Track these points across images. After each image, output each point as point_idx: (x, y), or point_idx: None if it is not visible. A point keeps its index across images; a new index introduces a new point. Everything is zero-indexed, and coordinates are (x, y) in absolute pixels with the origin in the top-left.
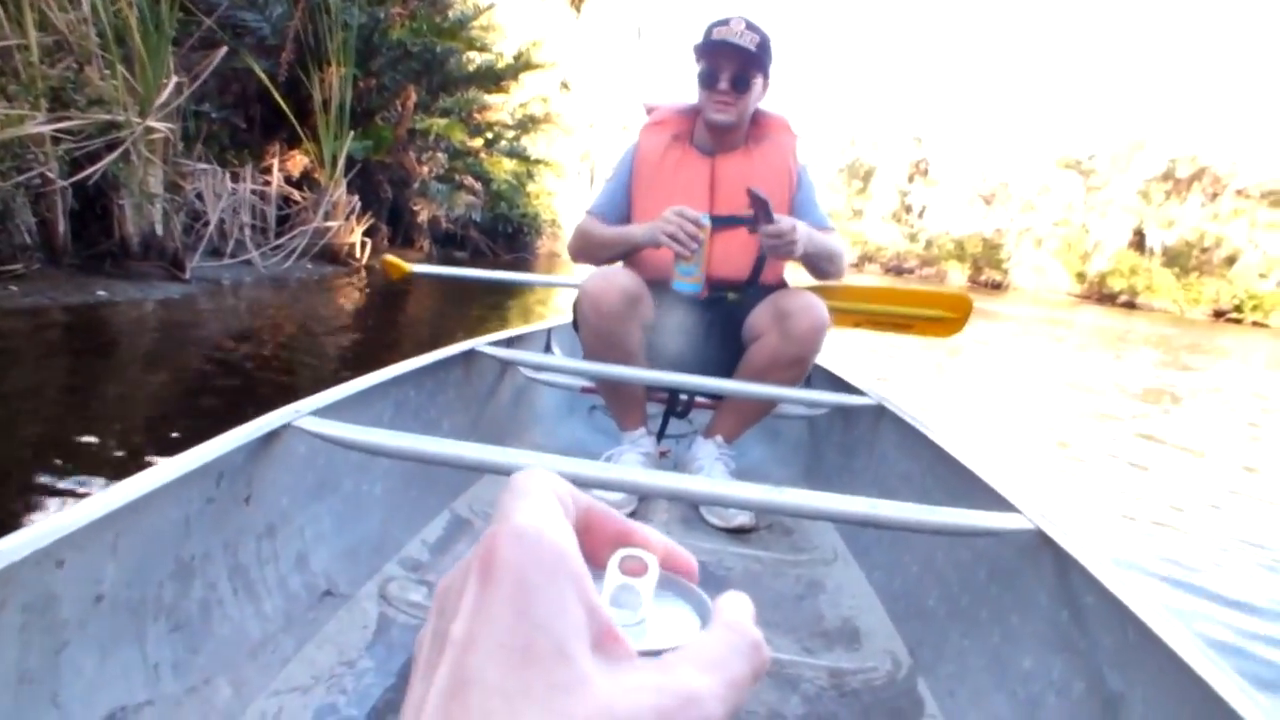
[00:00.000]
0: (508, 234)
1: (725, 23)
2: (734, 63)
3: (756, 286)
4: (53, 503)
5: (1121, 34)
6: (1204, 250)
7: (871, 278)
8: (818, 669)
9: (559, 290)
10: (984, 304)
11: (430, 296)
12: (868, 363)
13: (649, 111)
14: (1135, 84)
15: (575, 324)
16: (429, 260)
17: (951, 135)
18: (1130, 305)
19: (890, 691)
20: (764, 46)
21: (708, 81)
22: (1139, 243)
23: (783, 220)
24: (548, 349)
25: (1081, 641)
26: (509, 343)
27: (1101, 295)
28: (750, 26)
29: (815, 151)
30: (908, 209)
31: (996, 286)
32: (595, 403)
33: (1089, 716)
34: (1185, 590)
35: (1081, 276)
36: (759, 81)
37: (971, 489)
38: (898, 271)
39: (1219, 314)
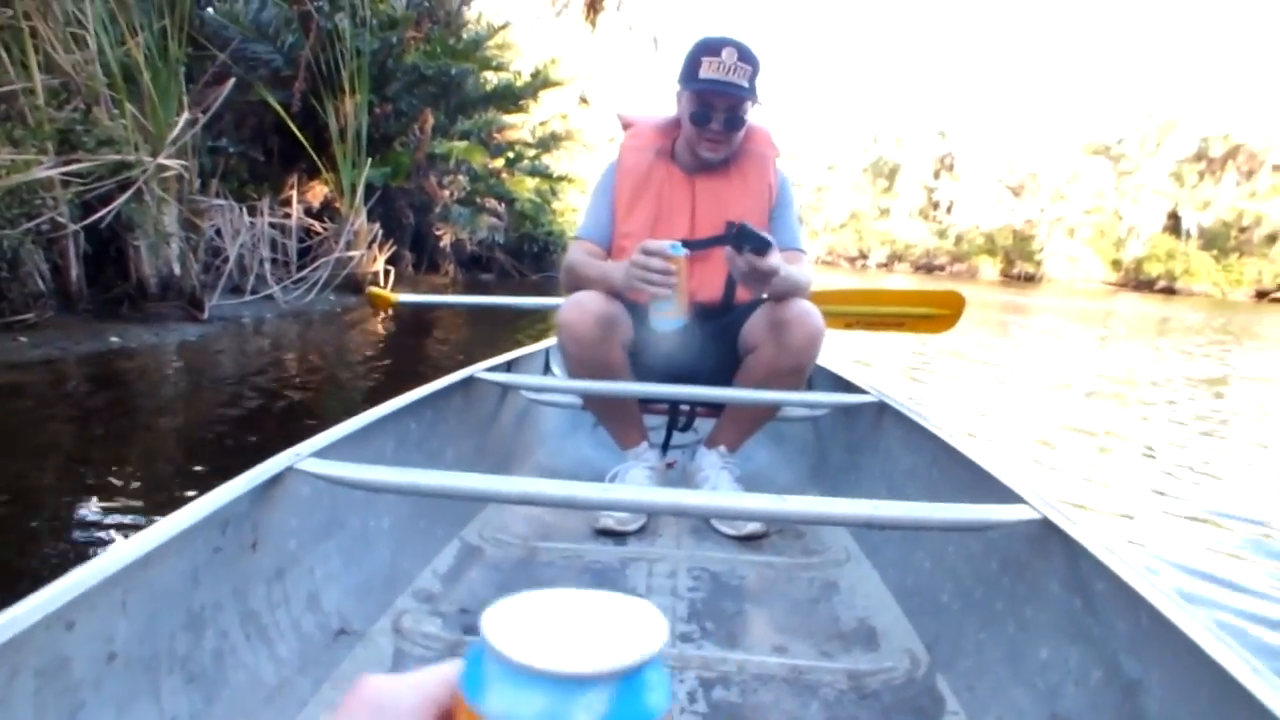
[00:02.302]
0: (533, 253)
1: (715, 53)
2: (727, 102)
3: (731, 309)
4: (68, 562)
5: (1143, 14)
6: (1243, 230)
7: (901, 277)
8: (836, 672)
9: None
10: (1016, 297)
11: (455, 322)
12: (886, 363)
13: (625, 126)
14: (1160, 64)
15: None
16: (454, 284)
17: (975, 127)
18: (1169, 290)
19: (910, 690)
20: (755, 77)
21: (699, 121)
22: (1174, 226)
23: (773, 257)
24: (547, 369)
25: (1096, 629)
26: (509, 366)
27: (1139, 282)
28: (743, 56)
29: (837, 151)
30: (935, 205)
31: (1030, 279)
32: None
33: (1108, 704)
34: (1201, 578)
35: (1117, 264)
36: (749, 110)
37: (977, 481)
38: (928, 269)
39: (1262, 294)
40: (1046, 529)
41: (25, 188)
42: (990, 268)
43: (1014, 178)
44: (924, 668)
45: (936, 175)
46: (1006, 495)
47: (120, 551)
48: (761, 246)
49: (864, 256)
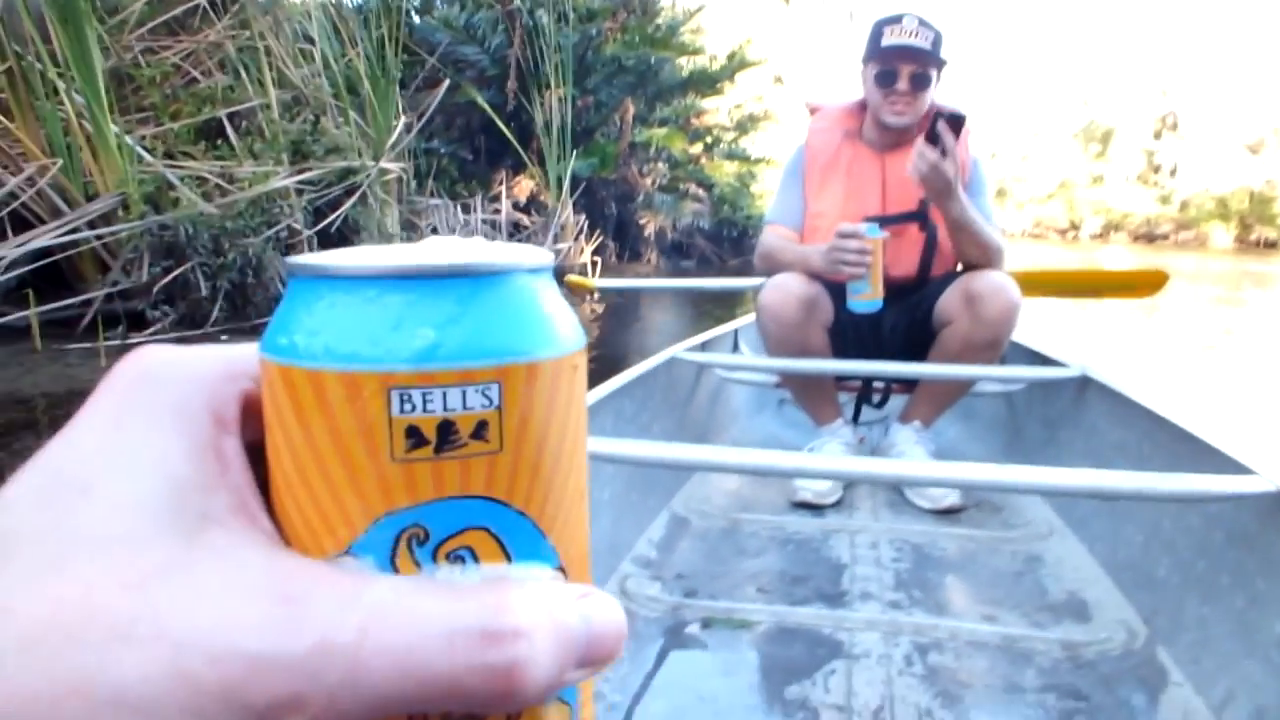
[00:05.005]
0: (732, 238)
1: (896, 21)
2: (912, 63)
3: (927, 283)
4: None
5: None
6: None
7: (1119, 248)
8: (1049, 642)
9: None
10: (1256, 266)
11: (657, 307)
12: (1095, 339)
13: (812, 112)
14: None
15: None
16: (656, 272)
17: (1202, 82)
18: None
19: (1129, 661)
20: (939, 42)
21: (885, 82)
22: None
23: (953, 169)
24: (735, 348)
25: None
26: (703, 346)
27: None
28: (923, 24)
29: (1043, 116)
30: (1156, 169)
31: (1272, 245)
32: (784, 396)
33: None
34: None
35: None
36: (935, 77)
37: (1197, 453)
38: (1149, 239)
39: None
40: None
41: (265, 197)
42: (1223, 234)
43: (1250, 134)
44: (1142, 640)
45: (1157, 136)
46: (1235, 467)
47: None
48: (959, 121)
49: (1075, 228)
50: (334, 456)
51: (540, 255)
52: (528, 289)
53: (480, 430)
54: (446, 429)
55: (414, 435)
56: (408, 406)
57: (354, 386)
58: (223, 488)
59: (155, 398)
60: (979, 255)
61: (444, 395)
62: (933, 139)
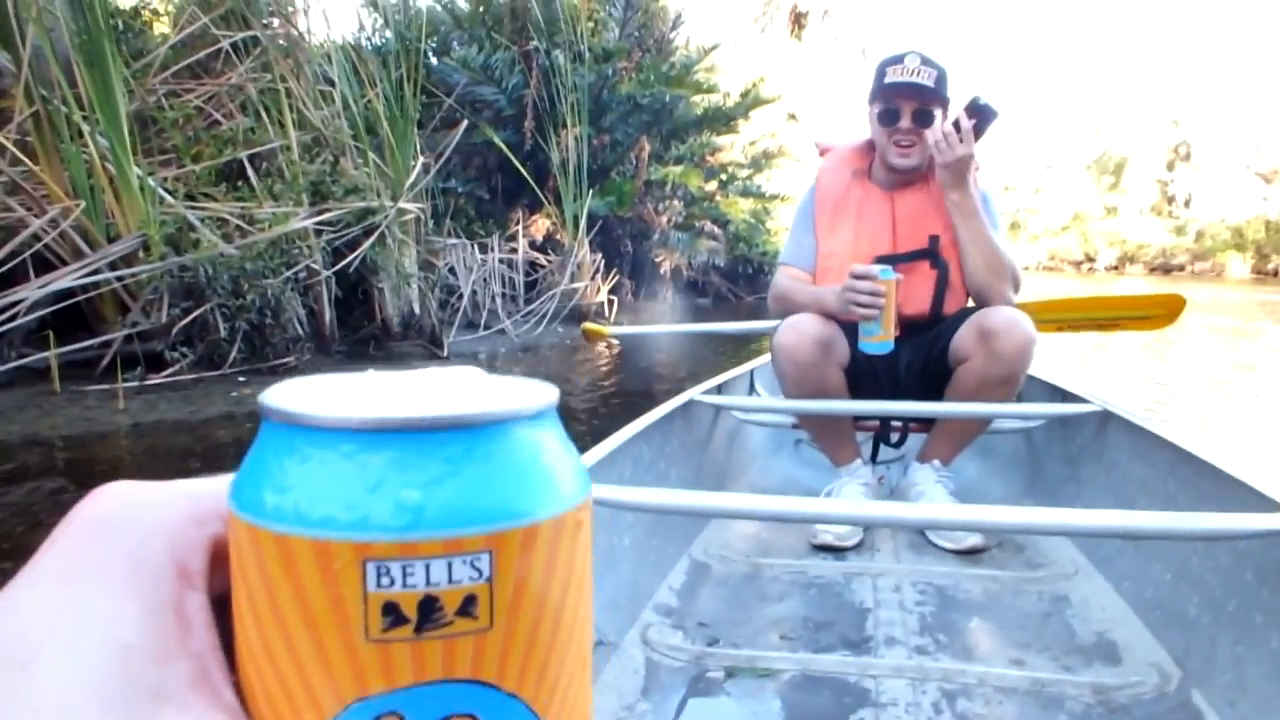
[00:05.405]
0: (748, 275)
1: (899, 61)
2: (914, 100)
3: (940, 320)
4: None
5: None
6: None
7: (1135, 280)
8: (1080, 686)
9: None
10: (1272, 296)
11: (675, 342)
12: (1108, 373)
13: (822, 152)
14: None
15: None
16: (672, 310)
17: (1215, 111)
18: None
19: (1164, 705)
20: (942, 80)
21: (888, 120)
22: None
23: (963, 150)
24: (751, 389)
25: None
26: (719, 389)
27: None
28: (925, 61)
29: (1055, 149)
30: (1170, 200)
31: None
32: (800, 437)
33: None
34: None
35: None
36: (940, 115)
37: (1223, 489)
38: (1165, 270)
39: None
40: None
41: (285, 238)
42: (1240, 264)
43: (1264, 162)
44: (1175, 682)
45: (1170, 167)
46: (1264, 503)
47: None
48: (987, 114)
49: (1090, 260)
50: (302, 632)
51: (542, 395)
52: (527, 441)
53: (467, 606)
54: (429, 606)
55: (391, 613)
56: (385, 581)
57: (325, 556)
58: (182, 655)
59: (110, 549)
60: (985, 263)
61: (427, 568)
62: (955, 124)
